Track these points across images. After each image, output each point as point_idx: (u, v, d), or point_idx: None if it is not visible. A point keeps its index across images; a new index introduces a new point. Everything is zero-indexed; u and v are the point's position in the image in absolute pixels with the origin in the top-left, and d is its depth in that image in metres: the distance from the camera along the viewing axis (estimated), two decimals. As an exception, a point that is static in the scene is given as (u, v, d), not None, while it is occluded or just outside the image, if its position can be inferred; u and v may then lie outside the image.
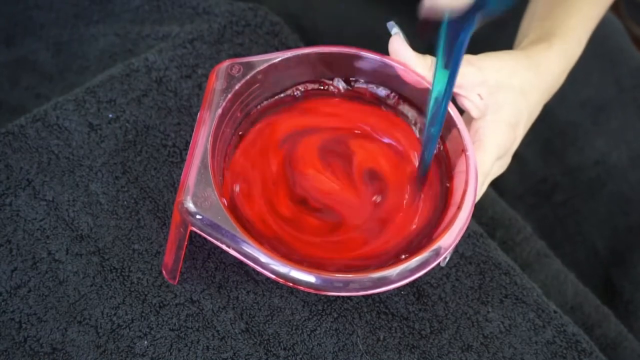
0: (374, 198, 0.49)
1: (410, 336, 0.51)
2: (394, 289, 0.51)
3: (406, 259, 0.43)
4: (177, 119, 0.58)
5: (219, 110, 0.47)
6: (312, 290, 0.42)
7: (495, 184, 0.70)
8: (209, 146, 0.45)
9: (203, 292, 0.51)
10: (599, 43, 0.73)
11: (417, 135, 0.51)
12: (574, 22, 0.56)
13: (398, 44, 0.48)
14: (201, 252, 0.52)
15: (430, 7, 0.40)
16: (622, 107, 0.76)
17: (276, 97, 0.52)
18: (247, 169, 0.49)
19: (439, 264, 0.44)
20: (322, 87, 0.52)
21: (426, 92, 0.49)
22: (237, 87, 0.48)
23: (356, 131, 0.51)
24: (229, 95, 0.48)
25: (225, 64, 0.49)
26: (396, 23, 0.49)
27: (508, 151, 0.52)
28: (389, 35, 0.49)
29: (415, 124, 0.51)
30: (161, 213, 0.54)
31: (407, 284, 0.51)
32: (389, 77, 0.51)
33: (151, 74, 0.59)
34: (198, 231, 0.43)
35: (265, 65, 0.49)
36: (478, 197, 0.49)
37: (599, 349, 0.55)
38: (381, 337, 0.51)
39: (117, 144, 0.56)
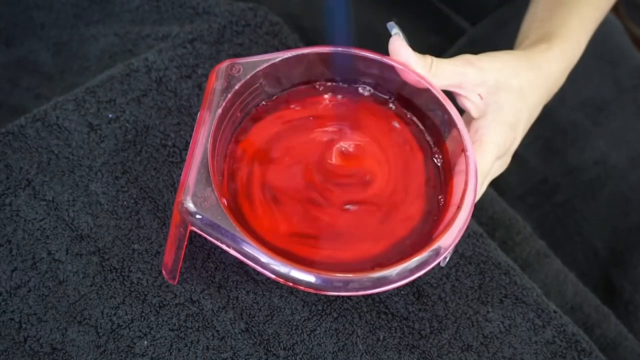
0: (374, 199, 0.49)
1: (410, 336, 0.51)
2: (393, 289, 0.51)
3: (406, 259, 0.43)
4: (177, 119, 0.58)
5: (219, 110, 0.47)
6: (312, 290, 0.42)
7: (496, 184, 0.70)
8: (209, 146, 0.45)
9: (203, 292, 0.51)
10: (599, 43, 0.73)
11: (417, 135, 0.51)
12: (574, 23, 0.56)
13: (398, 44, 0.48)
14: (201, 252, 0.52)
15: None
16: (622, 108, 0.76)
17: (276, 97, 0.52)
18: (248, 170, 0.49)
19: (438, 264, 0.44)
20: (320, 87, 0.52)
21: (426, 92, 0.49)
22: (237, 87, 0.48)
23: (355, 131, 0.51)
24: (229, 95, 0.48)
25: (225, 63, 0.49)
26: (396, 23, 0.49)
27: (508, 151, 0.52)
28: (389, 35, 0.49)
29: (415, 124, 0.51)
30: (161, 213, 0.54)
31: (406, 284, 0.51)
32: (389, 77, 0.51)
33: (151, 74, 0.59)
34: (198, 231, 0.43)
35: (265, 65, 0.49)
36: (478, 197, 0.49)
37: (598, 349, 0.55)
38: (381, 337, 0.51)
39: (117, 144, 0.56)
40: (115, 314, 0.50)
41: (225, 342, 0.49)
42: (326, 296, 0.52)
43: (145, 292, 0.51)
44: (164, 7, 0.66)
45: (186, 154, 0.55)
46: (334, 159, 0.50)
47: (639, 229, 0.73)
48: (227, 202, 0.46)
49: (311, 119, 0.52)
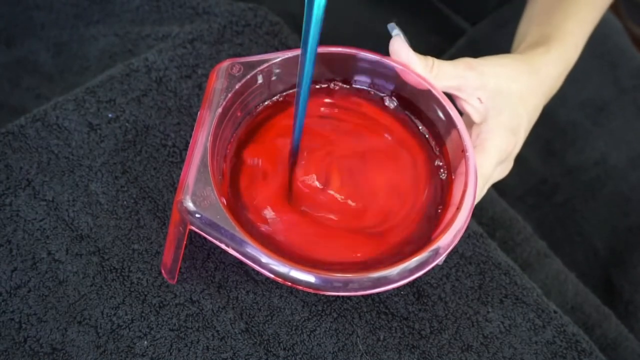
0: (374, 199, 0.49)
1: (410, 336, 0.51)
2: (393, 289, 0.51)
3: (405, 259, 0.43)
4: (177, 119, 0.58)
5: (219, 110, 0.47)
6: (311, 290, 0.42)
7: (496, 185, 0.69)
8: (208, 145, 0.45)
9: (203, 292, 0.51)
10: (598, 43, 0.73)
11: (417, 135, 0.51)
12: (571, 26, 0.57)
13: (399, 44, 0.48)
14: (201, 252, 0.52)
15: None
16: (622, 108, 0.77)
17: (276, 96, 0.52)
18: (250, 168, 0.49)
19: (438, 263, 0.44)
20: (320, 87, 0.52)
21: (427, 92, 0.49)
22: (237, 86, 0.48)
23: (355, 132, 0.51)
24: (229, 95, 0.48)
25: (226, 63, 0.49)
26: (396, 24, 0.49)
27: (509, 156, 0.52)
28: (389, 36, 0.49)
29: (414, 125, 0.51)
30: (161, 213, 0.54)
31: (406, 284, 0.51)
32: (389, 78, 0.51)
33: (151, 74, 0.59)
34: (197, 230, 0.43)
35: (265, 65, 0.49)
36: (477, 200, 0.49)
37: (599, 349, 0.55)
38: (381, 337, 0.51)
39: (117, 144, 0.56)
40: (115, 314, 0.50)
41: (225, 342, 0.49)
42: (326, 296, 0.52)
43: (145, 292, 0.51)
44: (164, 7, 0.66)
45: (186, 153, 0.55)
46: (334, 161, 0.50)
47: (639, 229, 0.73)
48: (227, 202, 0.46)
49: (311, 119, 0.52)
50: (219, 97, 0.48)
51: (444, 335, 0.52)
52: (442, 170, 0.50)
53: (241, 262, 0.44)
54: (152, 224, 0.53)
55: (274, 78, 0.51)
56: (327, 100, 0.53)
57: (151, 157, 0.56)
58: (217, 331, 0.50)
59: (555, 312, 0.54)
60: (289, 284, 0.42)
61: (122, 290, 0.51)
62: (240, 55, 0.61)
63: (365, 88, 0.53)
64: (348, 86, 0.53)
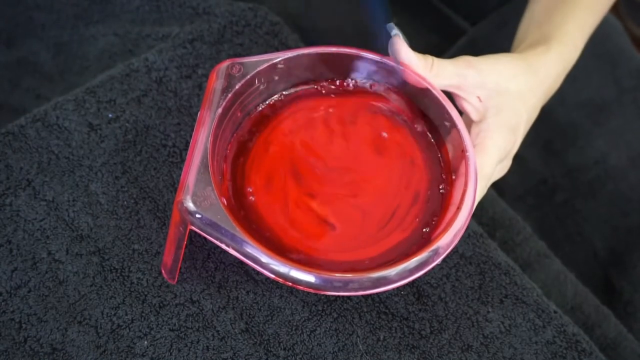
0: (374, 199, 0.49)
1: (410, 336, 0.51)
2: (393, 289, 0.51)
3: (405, 259, 0.43)
4: (177, 119, 0.58)
5: (219, 110, 0.47)
6: (311, 290, 0.42)
7: (496, 185, 0.70)
8: (209, 145, 0.45)
9: (203, 292, 0.51)
10: (598, 43, 0.73)
11: (416, 134, 0.51)
12: (571, 27, 0.57)
13: (398, 44, 0.48)
14: (201, 252, 0.52)
15: None
16: (622, 108, 0.77)
17: (276, 96, 0.52)
18: (251, 170, 0.49)
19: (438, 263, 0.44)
20: (320, 87, 0.52)
21: (427, 92, 0.49)
22: (237, 86, 0.48)
23: (355, 131, 0.51)
24: (229, 95, 0.48)
25: (226, 63, 0.49)
26: (395, 24, 0.49)
27: (509, 154, 0.52)
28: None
29: (414, 125, 0.51)
30: (161, 213, 0.54)
31: (406, 284, 0.51)
32: (389, 78, 0.51)
33: (151, 74, 0.59)
34: (197, 230, 0.43)
35: (265, 65, 0.49)
36: (478, 199, 0.49)
37: (599, 349, 0.55)
38: (381, 337, 0.51)
39: (117, 144, 0.56)
40: (115, 314, 0.50)
41: (225, 342, 0.49)
42: (326, 296, 0.52)
43: (146, 292, 0.51)
44: (164, 7, 0.66)
45: (186, 154, 0.55)
46: (334, 161, 0.50)
47: (639, 229, 0.73)
48: (227, 202, 0.46)
49: (311, 119, 0.52)
50: (219, 98, 0.48)
51: (444, 335, 0.52)
52: (442, 170, 0.50)
53: (241, 262, 0.44)
54: (152, 224, 0.53)
55: (274, 78, 0.51)
56: (326, 100, 0.53)
57: (151, 157, 0.56)
58: (217, 331, 0.50)
59: (555, 312, 0.54)
60: (289, 284, 0.42)
61: (122, 290, 0.51)
62: (240, 55, 0.61)
63: (365, 88, 0.53)
64: (347, 86, 0.53)
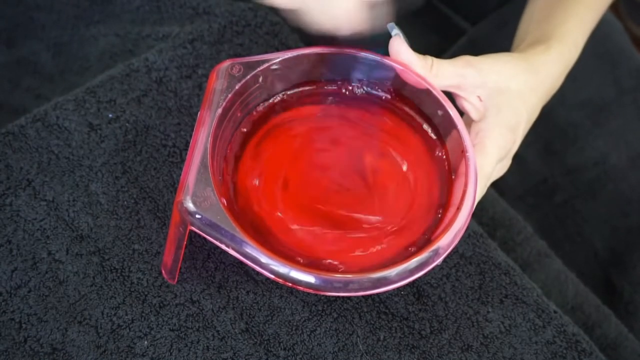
0: (375, 199, 0.49)
1: (410, 336, 0.51)
2: (393, 289, 0.51)
3: (405, 259, 0.43)
4: (177, 119, 0.58)
5: (219, 110, 0.47)
6: (311, 291, 0.42)
7: (496, 185, 0.70)
8: (208, 146, 0.45)
9: (203, 292, 0.51)
10: (598, 43, 0.73)
11: (416, 134, 0.51)
12: (570, 25, 0.57)
13: (398, 44, 0.48)
14: (201, 252, 0.52)
15: None
16: (622, 108, 0.77)
17: (276, 96, 0.52)
18: (251, 170, 0.49)
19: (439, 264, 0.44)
20: (320, 87, 0.52)
21: (427, 92, 0.49)
22: (237, 87, 0.48)
23: (354, 131, 0.51)
24: (229, 95, 0.48)
25: (226, 63, 0.49)
26: (396, 24, 0.49)
27: (508, 154, 0.52)
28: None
29: (414, 125, 0.52)
30: (161, 213, 0.54)
31: (406, 284, 0.51)
32: (389, 78, 0.51)
33: (151, 74, 0.59)
34: (197, 231, 0.43)
35: (265, 65, 0.49)
36: (478, 199, 0.49)
37: (599, 349, 0.55)
38: (381, 337, 0.51)
39: (117, 144, 0.56)
40: (115, 314, 0.50)
41: (226, 342, 0.50)
42: (326, 296, 0.52)
43: (146, 292, 0.51)
44: (164, 8, 0.66)
45: (186, 154, 0.55)
46: (334, 161, 0.50)
47: (639, 229, 0.73)
48: (227, 202, 0.46)
49: (311, 119, 0.52)
50: (219, 98, 0.48)
51: (444, 335, 0.52)
52: (441, 170, 0.50)
53: (241, 262, 0.44)
54: (152, 224, 0.53)
55: (274, 78, 0.51)
56: (326, 100, 0.53)
57: (151, 157, 0.56)
58: (217, 331, 0.50)
59: (555, 312, 0.54)
60: (289, 284, 0.42)
61: (122, 290, 0.51)
62: (240, 56, 0.61)
63: (364, 88, 0.53)
64: (347, 86, 0.53)
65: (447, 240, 0.44)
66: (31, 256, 0.51)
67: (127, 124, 0.57)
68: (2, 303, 0.49)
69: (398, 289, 0.53)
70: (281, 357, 0.49)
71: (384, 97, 0.52)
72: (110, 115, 0.57)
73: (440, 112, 0.49)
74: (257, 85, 0.50)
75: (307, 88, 0.53)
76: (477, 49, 0.55)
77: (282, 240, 0.46)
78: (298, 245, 0.46)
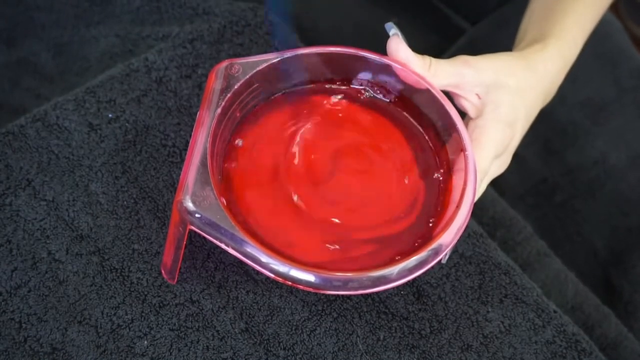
0: (374, 199, 0.49)
1: (410, 336, 0.51)
2: (393, 288, 0.51)
3: (405, 258, 0.43)
4: (177, 119, 0.58)
5: (219, 110, 0.47)
6: (311, 289, 0.42)
7: (496, 184, 0.70)
8: (208, 145, 0.45)
9: (203, 292, 0.51)
10: (598, 43, 0.73)
11: (416, 133, 0.51)
12: (569, 22, 0.57)
13: (397, 44, 0.48)
14: (201, 252, 0.52)
15: None
16: (621, 108, 0.77)
17: (276, 97, 0.52)
18: (250, 170, 0.49)
19: (438, 262, 0.44)
20: (319, 87, 0.53)
21: (425, 91, 0.49)
22: (236, 86, 0.48)
23: (354, 131, 0.51)
24: (229, 95, 0.48)
25: (225, 63, 0.49)
26: (395, 23, 0.49)
27: (507, 150, 0.52)
28: (387, 35, 0.49)
29: (414, 124, 0.52)
30: (161, 213, 0.54)
31: (406, 283, 0.51)
32: (388, 77, 0.51)
33: (151, 74, 0.59)
34: (197, 230, 0.43)
35: (265, 65, 0.49)
36: (477, 196, 0.49)
37: (599, 349, 0.55)
38: (381, 337, 0.51)
39: (117, 144, 0.56)
40: (115, 314, 0.50)
41: (225, 342, 0.49)
42: (326, 296, 0.52)
43: (145, 292, 0.51)
44: (164, 8, 0.66)
45: (186, 153, 0.55)
46: (333, 161, 0.50)
47: (639, 229, 0.73)
48: (226, 201, 0.46)
49: (310, 119, 0.52)
50: (218, 98, 0.48)
51: (444, 335, 0.52)
52: (441, 169, 0.50)
53: (241, 261, 0.44)
54: (152, 224, 0.53)
55: (273, 78, 0.51)
56: (326, 99, 0.53)
57: (151, 157, 0.56)
58: (217, 331, 0.50)
59: (555, 311, 0.54)
60: (289, 283, 0.42)
61: (122, 290, 0.51)
62: (240, 55, 0.61)
63: (364, 87, 0.53)
64: (347, 86, 0.53)
65: (447, 238, 0.44)
66: (31, 256, 0.51)
67: (127, 124, 0.57)
68: (2, 303, 0.50)
69: (398, 288, 0.53)
70: (281, 357, 0.49)
71: (383, 97, 0.52)
72: (110, 115, 0.57)
73: (439, 111, 0.49)
74: (256, 85, 0.50)
75: (306, 88, 0.53)
76: (477, 49, 0.55)
77: (281, 239, 0.46)
78: (298, 244, 0.46)
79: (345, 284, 0.42)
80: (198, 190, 0.44)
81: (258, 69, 0.49)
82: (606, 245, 0.73)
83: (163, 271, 0.50)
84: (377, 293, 0.52)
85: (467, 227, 0.49)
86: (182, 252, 0.47)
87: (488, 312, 0.53)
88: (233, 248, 0.43)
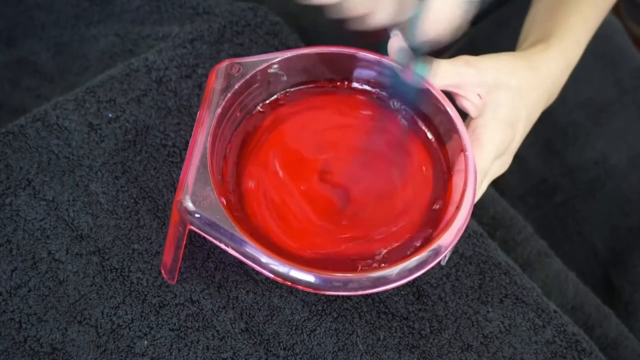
0: (374, 199, 0.49)
1: (410, 336, 0.51)
2: (393, 289, 0.51)
3: (405, 258, 0.43)
4: (177, 118, 0.58)
5: (219, 110, 0.47)
6: (311, 290, 0.42)
7: (496, 184, 0.69)
8: (208, 145, 0.45)
9: (203, 292, 0.51)
10: (599, 44, 0.73)
11: (415, 133, 0.51)
12: (572, 23, 0.56)
13: (398, 44, 0.48)
14: (201, 252, 0.52)
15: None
16: (622, 108, 0.77)
17: (276, 97, 0.52)
18: (250, 170, 0.49)
19: (438, 263, 0.44)
20: (320, 87, 0.53)
21: (425, 92, 0.49)
22: (236, 86, 0.48)
23: (354, 130, 0.51)
24: (229, 95, 0.48)
25: (225, 63, 0.49)
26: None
27: (507, 150, 0.52)
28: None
29: (414, 124, 0.51)
30: (161, 213, 0.54)
31: (406, 284, 0.51)
32: (388, 78, 0.51)
33: (151, 74, 0.59)
34: (197, 230, 0.43)
35: (265, 65, 0.49)
36: (477, 197, 0.49)
37: (599, 349, 0.55)
38: (381, 337, 0.51)
39: (117, 144, 0.56)
40: (115, 314, 0.50)
41: (225, 342, 0.49)
42: (326, 296, 0.52)
43: (145, 292, 0.51)
44: (164, 8, 0.66)
45: (186, 153, 0.55)
46: (334, 161, 0.50)
47: (639, 229, 0.73)
48: (226, 201, 0.46)
49: (311, 119, 0.52)
50: (219, 98, 0.48)
51: (444, 335, 0.52)
52: (441, 169, 0.50)
53: (241, 262, 0.44)
54: (152, 224, 0.53)
55: (273, 78, 0.51)
56: (326, 100, 0.53)
57: (151, 157, 0.56)
58: (217, 331, 0.50)
59: (555, 311, 0.54)
60: (289, 283, 0.42)
61: (122, 290, 0.51)
62: (240, 55, 0.61)
63: (364, 88, 0.53)
64: (347, 86, 0.53)
65: (447, 239, 0.44)
66: (31, 256, 0.51)
67: (127, 124, 0.57)
68: (2, 303, 0.50)
69: (398, 288, 0.53)
70: (281, 357, 0.49)
71: (383, 97, 0.52)
72: (110, 115, 0.57)
73: (439, 111, 0.49)
74: (257, 85, 0.50)
75: (306, 88, 0.53)
76: (477, 48, 0.55)
77: (281, 239, 0.46)
78: (297, 244, 0.46)
79: (345, 285, 0.42)
80: (198, 190, 0.44)
81: (258, 68, 0.49)
82: (606, 245, 0.73)
83: (163, 271, 0.50)
84: (377, 293, 0.52)
85: (467, 227, 0.49)
86: (182, 252, 0.47)
87: (488, 312, 0.53)
88: (233, 248, 0.43)
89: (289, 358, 0.49)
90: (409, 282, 0.44)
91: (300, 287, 0.42)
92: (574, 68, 0.57)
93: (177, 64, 0.60)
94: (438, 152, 0.50)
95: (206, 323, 0.50)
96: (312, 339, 0.50)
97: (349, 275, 0.42)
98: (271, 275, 0.42)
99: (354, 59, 0.51)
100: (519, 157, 0.55)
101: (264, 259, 0.42)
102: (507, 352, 0.52)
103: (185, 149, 0.56)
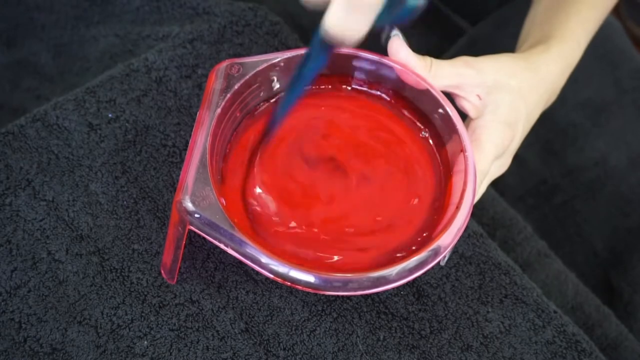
0: (374, 200, 0.49)
1: (410, 336, 0.51)
2: (393, 289, 0.51)
3: (405, 258, 0.43)
4: (177, 119, 0.58)
5: (218, 110, 0.47)
6: (311, 290, 0.42)
7: (496, 185, 0.70)
8: (207, 145, 0.45)
9: (202, 292, 0.51)
10: (599, 44, 0.73)
11: (416, 133, 0.51)
12: (572, 24, 0.57)
13: (397, 44, 0.48)
14: (200, 252, 0.52)
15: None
16: (622, 109, 0.77)
17: (275, 96, 0.52)
18: (250, 170, 0.49)
19: (438, 263, 0.44)
20: (320, 87, 0.52)
21: (425, 92, 0.49)
22: (236, 86, 0.48)
23: (354, 130, 0.51)
24: (229, 95, 0.48)
25: (225, 63, 0.49)
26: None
27: (507, 151, 0.52)
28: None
29: (414, 124, 0.51)
30: (161, 213, 0.54)
31: (406, 284, 0.51)
32: (388, 78, 0.51)
33: (151, 74, 0.59)
34: (196, 230, 0.43)
35: (265, 65, 0.49)
36: (477, 197, 0.49)
37: (599, 349, 0.55)
38: (381, 337, 0.51)
39: (117, 144, 0.56)
40: (115, 314, 0.50)
41: (225, 342, 0.49)
42: (326, 296, 0.52)
43: (145, 292, 0.51)
44: (164, 8, 0.66)
45: (186, 153, 0.55)
46: (334, 161, 0.50)
47: (639, 230, 0.73)
48: (226, 202, 0.46)
49: (310, 118, 0.52)
50: (218, 98, 0.48)
51: (444, 335, 0.52)
52: (441, 169, 0.50)
53: (241, 262, 0.44)
54: (152, 224, 0.53)
55: (273, 78, 0.51)
56: (326, 100, 0.53)
57: (151, 157, 0.56)
58: (217, 331, 0.50)
59: (555, 312, 0.54)
60: (289, 283, 0.42)
61: (122, 290, 0.51)
62: (240, 55, 0.61)
63: (364, 88, 0.53)
64: (346, 86, 0.53)
65: (447, 239, 0.44)
66: (31, 256, 0.51)
67: (126, 124, 0.57)
68: (2, 303, 0.50)
69: (398, 288, 0.53)
70: (281, 357, 0.49)
71: (382, 97, 0.52)
72: (110, 115, 0.57)
73: (439, 112, 0.49)
74: (257, 85, 0.50)
75: (306, 87, 0.52)
76: (477, 49, 0.55)
77: (281, 239, 0.46)
78: (297, 244, 0.46)
79: (344, 285, 0.42)
80: (198, 190, 0.44)
81: (258, 69, 0.49)
82: (606, 245, 0.73)
83: (163, 271, 0.50)
84: (377, 293, 0.52)
85: (467, 227, 0.49)
86: (182, 252, 0.47)
87: (488, 312, 0.53)
88: (232, 248, 0.43)
89: (288, 358, 0.49)
90: (409, 282, 0.44)
91: (300, 288, 0.42)
92: (574, 69, 0.57)
93: (177, 64, 0.60)
94: (438, 152, 0.50)
95: (206, 323, 0.50)
96: (312, 339, 0.50)
97: (349, 275, 0.42)
98: (271, 276, 0.42)
99: (353, 59, 0.51)
100: (518, 158, 0.55)
101: (264, 259, 0.42)
102: (507, 352, 0.52)
103: (185, 149, 0.56)
